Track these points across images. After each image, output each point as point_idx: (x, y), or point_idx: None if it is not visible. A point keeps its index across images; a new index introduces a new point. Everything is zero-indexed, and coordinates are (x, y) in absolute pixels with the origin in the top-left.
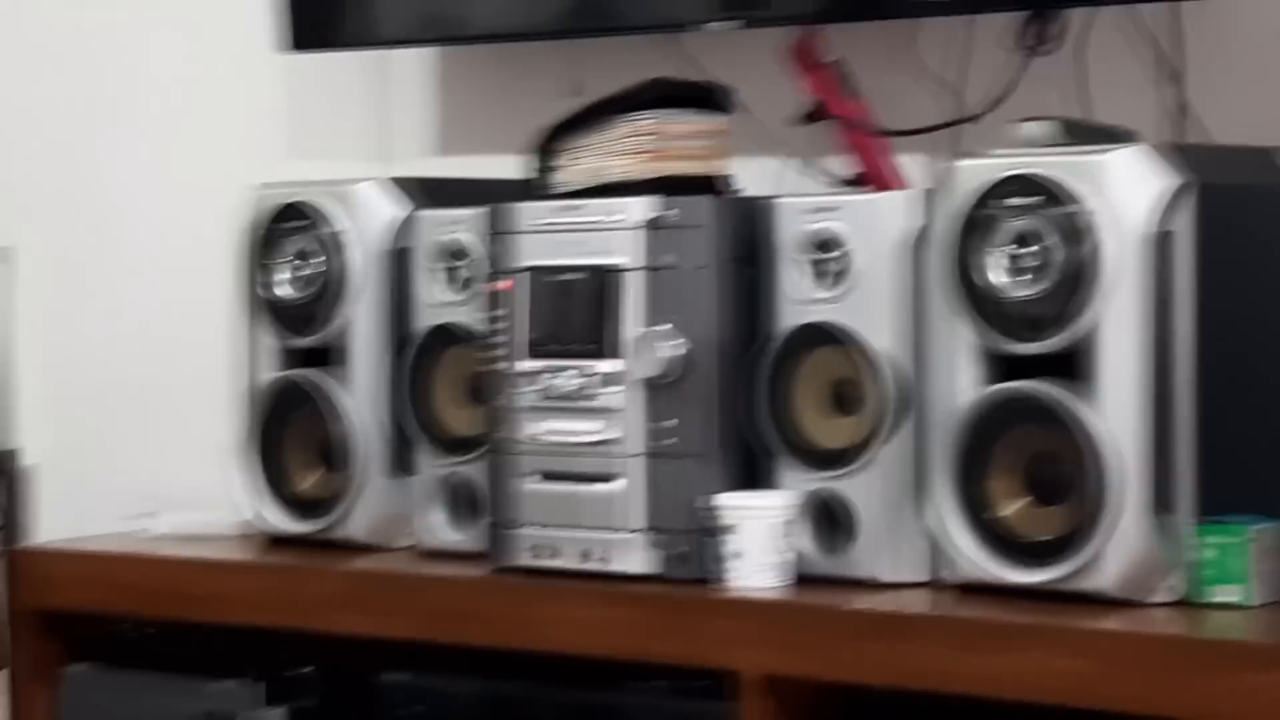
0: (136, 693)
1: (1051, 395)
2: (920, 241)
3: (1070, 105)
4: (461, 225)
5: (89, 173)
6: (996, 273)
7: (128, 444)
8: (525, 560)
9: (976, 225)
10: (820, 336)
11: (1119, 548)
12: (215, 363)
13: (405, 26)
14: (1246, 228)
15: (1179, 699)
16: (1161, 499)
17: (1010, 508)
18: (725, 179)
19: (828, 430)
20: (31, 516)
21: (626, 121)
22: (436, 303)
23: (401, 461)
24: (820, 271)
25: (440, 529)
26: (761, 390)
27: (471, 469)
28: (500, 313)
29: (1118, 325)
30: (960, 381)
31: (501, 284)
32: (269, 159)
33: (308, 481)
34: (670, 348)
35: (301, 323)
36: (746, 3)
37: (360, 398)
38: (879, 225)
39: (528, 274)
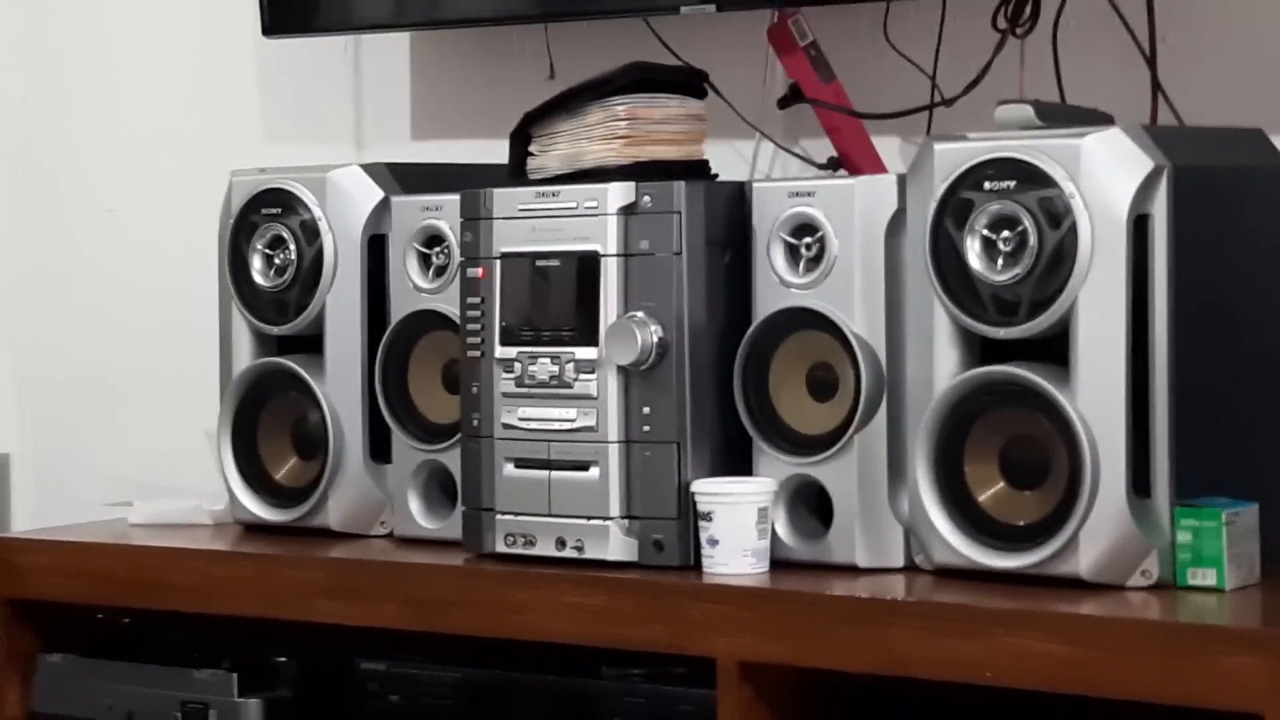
0: (111, 682)
1: (1030, 379)
2: (897, 225)
3: (1045, 87)
4: (437, 211)
5: (62, 160)
6: (974, 256)
7: (104, 433)
8: (501, 548)
9: (953, 209)
10: (797, 321)
11: (1097, 532)
12: (192, 351)
13: (380, 11)
14: (1221, 209)
15: (1157, 683)
16: (1139, 482)
17: (987, 492)
18: (701, 164)
19: (805, 416)
20: (7, 506)
21: (602, 107)
22: (412, 289)
23: (378, 449)
24: (797, 256)
25: (417, 516)
26: (738, 376)
27: (448, 456)
28: (476, 299)
29: (1095, 308)
30: (938, 366)
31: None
32: (245, 144)
33: (284, 469)
34: (647, 334)
35: (277, 310)
36: None
37: (336, 385)
38: (855, 209)
39: (503, 260)
